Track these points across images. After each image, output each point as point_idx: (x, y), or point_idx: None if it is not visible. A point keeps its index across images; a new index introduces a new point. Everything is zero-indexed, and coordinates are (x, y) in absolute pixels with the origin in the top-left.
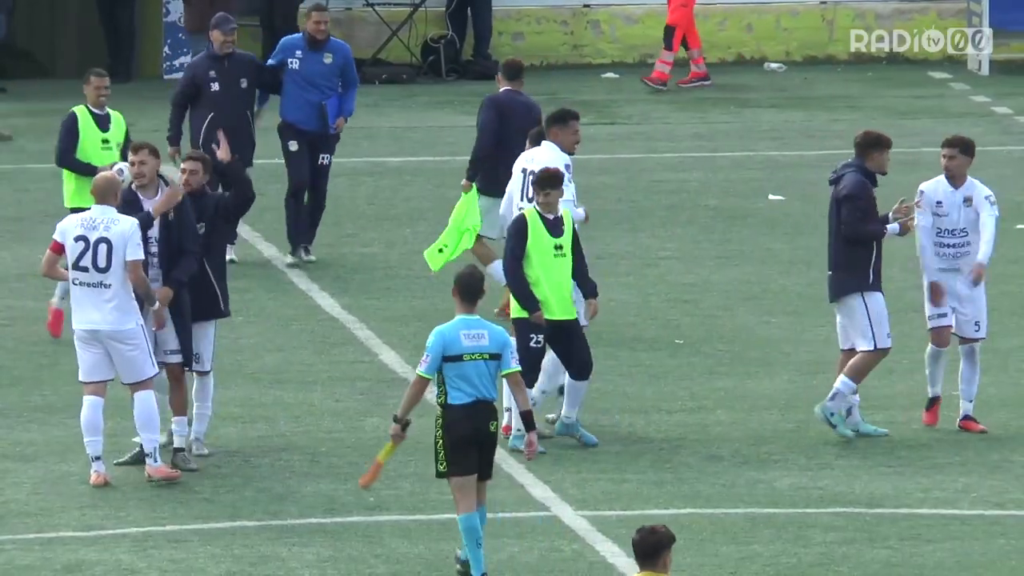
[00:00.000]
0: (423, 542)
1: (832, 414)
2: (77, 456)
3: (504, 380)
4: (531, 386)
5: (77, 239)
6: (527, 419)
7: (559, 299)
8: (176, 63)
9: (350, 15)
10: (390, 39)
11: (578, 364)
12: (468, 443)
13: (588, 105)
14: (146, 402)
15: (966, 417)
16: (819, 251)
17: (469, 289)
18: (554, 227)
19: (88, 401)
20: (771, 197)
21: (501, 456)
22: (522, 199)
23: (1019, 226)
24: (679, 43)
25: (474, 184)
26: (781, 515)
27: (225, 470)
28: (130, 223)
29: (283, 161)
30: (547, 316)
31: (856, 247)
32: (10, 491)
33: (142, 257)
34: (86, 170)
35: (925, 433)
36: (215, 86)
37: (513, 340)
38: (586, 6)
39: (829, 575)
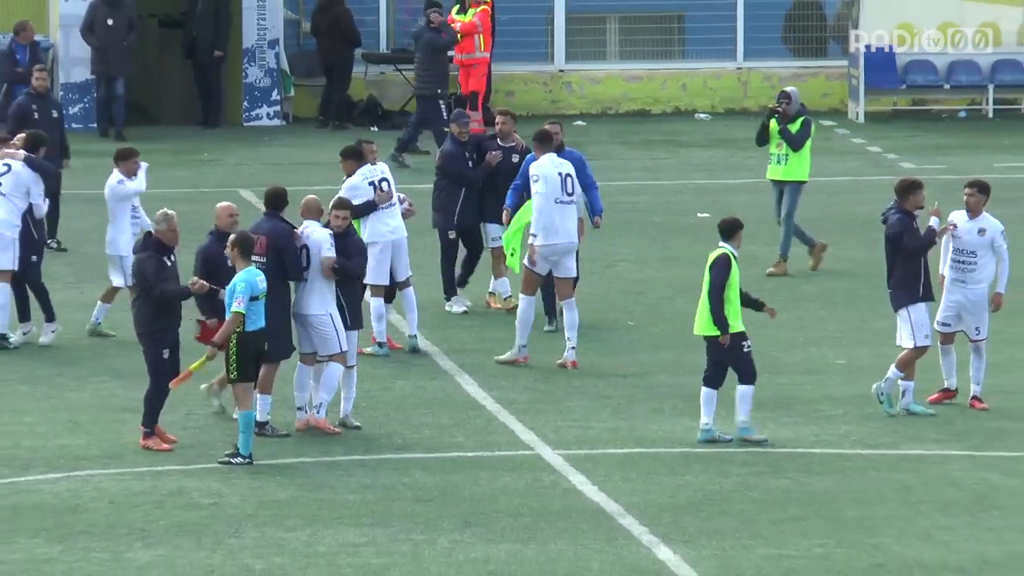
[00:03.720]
0: (439, 474)
1: (881, 394)
2: (176, 409)
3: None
4: (751, 381)
5: None
6: None
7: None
8: (253, 114)
9: (384, 78)
10: (413, 96)
11: (747, 371)
12: (253, 359)
13: None
14: (332, 372)
15: (974, 397)
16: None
17: (247, 248)
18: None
19: (298, 367)
20: (700, 215)
21: (496, 409)
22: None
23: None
24: (482, 104)
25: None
26: (708, 453)
27: (290, 419)
28: (324, 232)
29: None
30: (735, 330)
31: (907, 270)
32: (128, 435)
33: (333, 255)
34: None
35: (817, 391)
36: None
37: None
38: (561, 71)
39: (744, 498)
